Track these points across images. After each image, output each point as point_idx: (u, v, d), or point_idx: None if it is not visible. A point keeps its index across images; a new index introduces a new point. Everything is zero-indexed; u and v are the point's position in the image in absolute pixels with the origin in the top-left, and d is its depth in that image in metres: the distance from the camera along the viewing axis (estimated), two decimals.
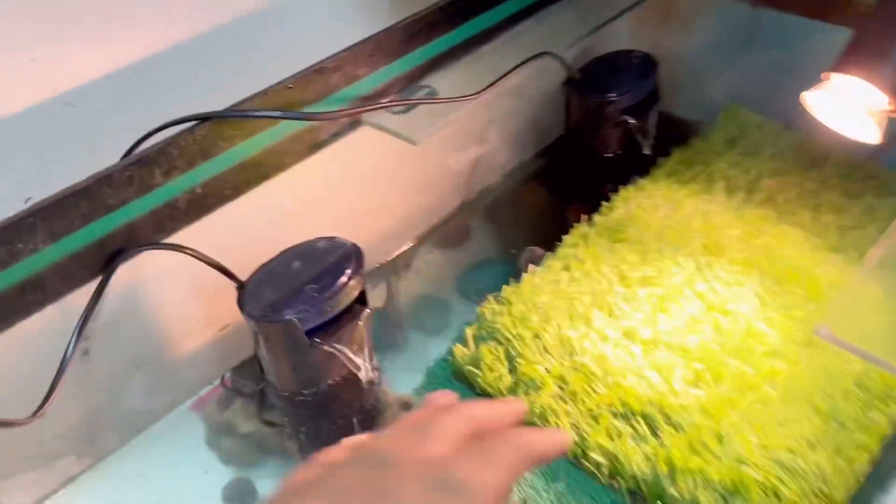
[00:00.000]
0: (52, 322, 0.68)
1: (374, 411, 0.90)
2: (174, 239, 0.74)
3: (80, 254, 0.66)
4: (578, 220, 0.98)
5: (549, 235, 1.02)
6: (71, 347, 0.64)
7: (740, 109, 1.10)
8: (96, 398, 0.76)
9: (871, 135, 0.75)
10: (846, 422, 0.71)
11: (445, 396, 0.50)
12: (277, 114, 0.71)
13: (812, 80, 1.02)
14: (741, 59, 1.10)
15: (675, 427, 0.72)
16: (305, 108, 0.77)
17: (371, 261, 0.98)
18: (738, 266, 0.87)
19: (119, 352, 0.77)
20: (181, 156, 0.70)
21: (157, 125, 0.69)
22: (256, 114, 0.72)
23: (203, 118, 0.70)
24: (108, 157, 0.67)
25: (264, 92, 0.73)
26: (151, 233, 0.72)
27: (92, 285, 0.69)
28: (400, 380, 0.90)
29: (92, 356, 0.73)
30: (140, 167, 0.67)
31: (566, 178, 1.13)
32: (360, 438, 0.50)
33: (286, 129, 0.77)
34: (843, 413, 0.71)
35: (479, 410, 0.45)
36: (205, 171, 0.72)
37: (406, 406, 0.98)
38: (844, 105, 0.73)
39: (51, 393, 0.61)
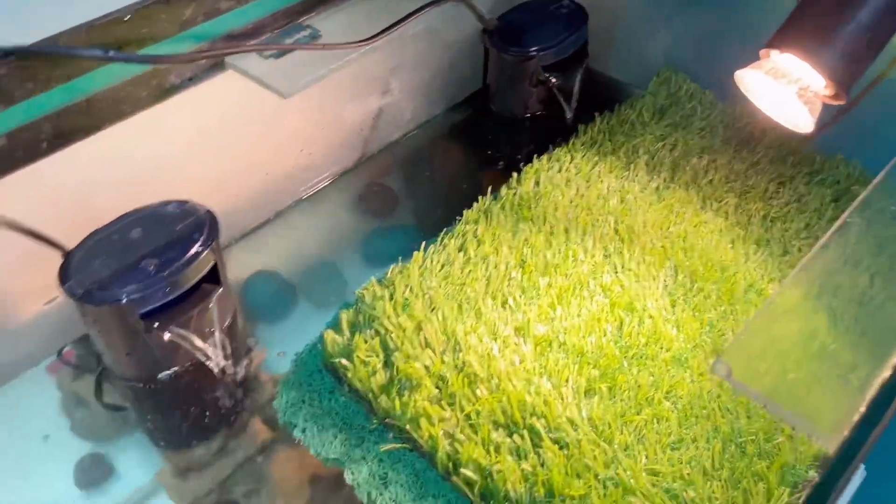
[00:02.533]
0: None
1: (236, 396, 0.80)
2: None
3: None
4: (496, 187, 0.87)
5: (458, 201, 0.91)
6: None
7: (674, 75, 0.99)
8: None
9: (804, 122, 0.66)
10: (747, 446, 0.63)
11: None
12: (100, 53, 0.58)
13: (752, 49, 0.93)
14: (680, 17, 0.99)
15: (560, 444, 0.63)
16: (148, 46, 0.63)
17: (244, 224, 0.86)
18: (651, 257, 0.78)
19: None
20: None
21: None
22: (77, 52, 0.58)
23: (5, 53, 0.56)
24: None
25: (90, 25, 0.59)
26: None
27: None
28: (287, 357, 0.80)
29: None
30: None
31: (479, 139, 1.02)
32: None
33: (123, 71, 0.64)
34: (744, 435, 0.64)
35: None
36: (8, 119, 0.58)
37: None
38: (779, 87, 0.63)
39: None
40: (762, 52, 0.65)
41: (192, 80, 0.69)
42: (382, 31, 0.73)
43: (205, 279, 0.68)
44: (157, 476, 0.81)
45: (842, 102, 0.64)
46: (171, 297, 0.65)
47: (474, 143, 1.02)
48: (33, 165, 0.62)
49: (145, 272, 0.65)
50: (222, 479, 0.81)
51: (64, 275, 0.64)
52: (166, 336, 0.66)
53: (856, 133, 0.84)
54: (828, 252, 0.51)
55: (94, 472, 0.81)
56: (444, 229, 0.83)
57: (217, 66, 0.70)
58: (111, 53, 0.59)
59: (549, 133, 1.00)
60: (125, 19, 0.61)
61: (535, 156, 0.91)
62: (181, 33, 0.65)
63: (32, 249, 0.62)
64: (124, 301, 0.63)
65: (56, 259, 0.65)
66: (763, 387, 0.44)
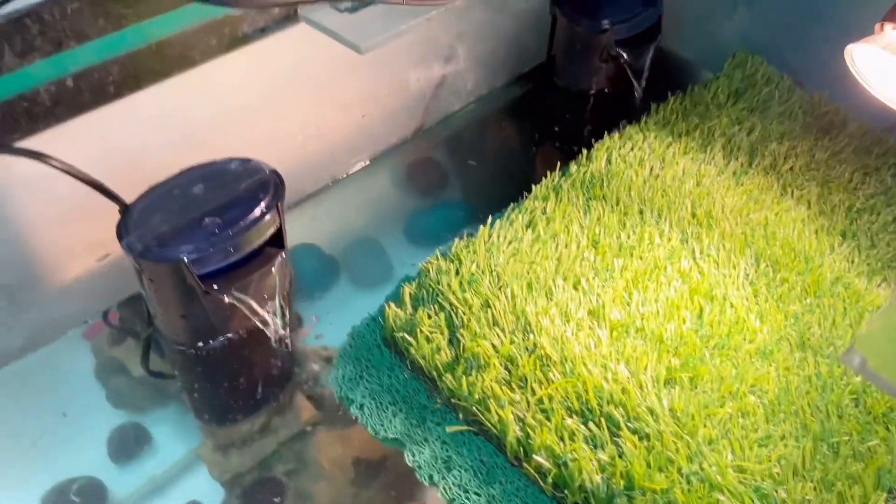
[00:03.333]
0: None
1: (285, 369, 0.77)
2: (35, 143, 0.57)
3: None
4: (553, 166, 0.83)
5: (517, 179, 0.87)
6: None
7: (750, 58, 0.95)
8: None
9: None
10: (840, 447, 0.60)
11: None
12: None
13: (836, 32, 0.88)
14: None
15: (640, 435, 0.59)
16: None
17: (301, 189, 0.83)
18: (730, 243, 0.74)
19: None
20: (44, 33, 0.52)
21: None
22: None
23: None
24: None
25: None
26: (2, 132, 0.55)
27: None
28: (329, 332, 0.76)
29: None
30: None
31: (543, 115, 0.97)
32: None
33: (197, 14, 0.60)
34: (836, 435, 0.60)
35: None
36: (78, 58, 0.55)
37: (328, 361, 0.84)
38: (894, 63, 0.59)
39: None
40: (877, 26, 0.61)
41: (263, 31, 0.65)
42: None
43: (267, 242, 0.65)
44: (196, 451, 0.78)
45: None
46: (233, 260, 0.61)
47: (535, 119, 0.98)
48: (98, 111, 0.58)
49: (207, 231, 0.61)
50: (264, 456, 0.78)
51: (122, 229, 0.60)
52: (226, 299, 0.62)
53: None
54: None
55: (129, 444, 0.78)
56: (511, 205, 0.79)
57: (290, 17, 0.66)
58: None
59: (615, 111, 0.95)
60: None
61: (604, 134, 0.86)
62: None
63: (88, 201, 0.59)
64: (185, 260, 0.59)
65: (113, 213, 0.61)
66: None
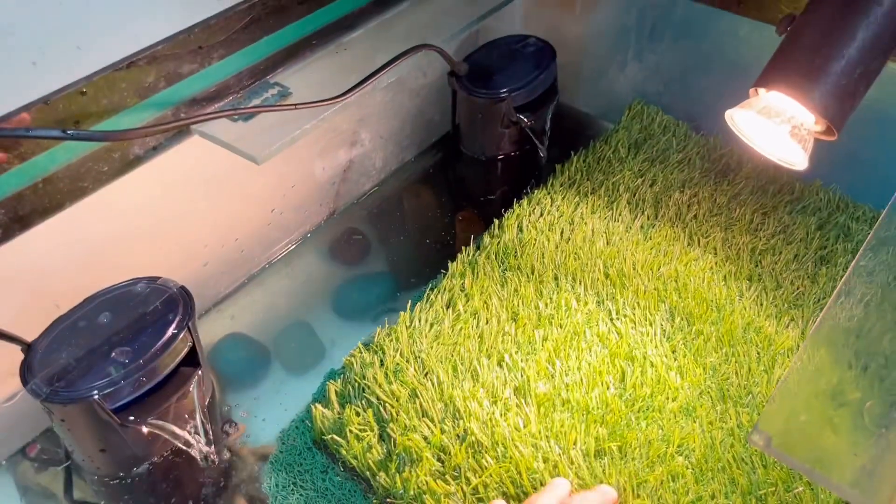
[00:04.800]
0: None
1: (218, 480, 0.75)
2: None
3: None
4: (470, 229, 0.84)
5: (438, 244, 0.88)
6: None
7: (646, 107, 0.98)
8: None
9: (799, 160, 0.65)
10: (767, 499, 0.61)
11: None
12: (58, 133, 0.53)
13: (719, 79, 0.92)
14: (647, 52, 0.98)
15: None
16: (109, 118, 0.58)
17: (216, 293, 0.81)
18: (644, 300, 0.76)
19: None
20: None
21: None
22: (33, 133, 0.53)
23: None
24: None
25: (45, 101, 0.54)
26: None
27: None
28: (262, 427, 0.75)
29: None
30: None
31: (454, 182, 0.99)
32: None
33: (84, 147, 0.59)
34: (763, 486, 0.62)
35: None
36: None
37: (264, 458, 0.82)
38: (772, 126, 0.62)
39: None
40: (751, 90, 0.64)
41: (156, 150, 0.64)
42: (355, 87, 0.69)
43: (182, 362, 0.63)
44: None
45: (834, 139, 0.63)
46: (147, 388, 0.60)
47: (446, 187, 0.99)
48: None
49: (117, 362, 0.59)
50: None
51: (26, 372, 0.58)
52: (144, 429, 0.61)
53: (830, 158, 0.84)
54: (847, 299, 0.50)
55: None
56: (430, 284, 0.80)
57: (183, 131, 0.65)
58: (69, 132, 0.54)
59: (522, 173, 0.98)
60: (82, 91, 0.56)
61: (513, 198, 0.88)
62: (142, 101, 0.60)
63: None
64: (95, 397, 0.57)
65: (16, 354, 0.59)
66: (803, 454, 0.42)
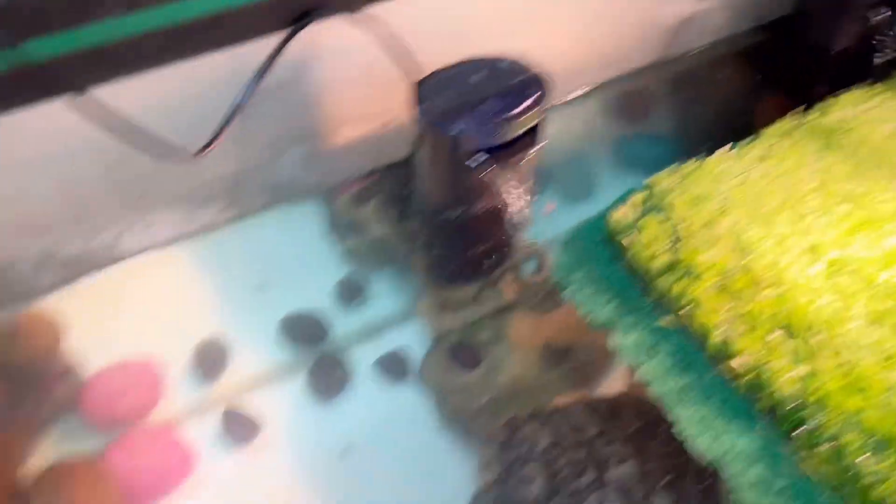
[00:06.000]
0: (223, 67, 0.65)
1: (506, 251, 0.87)
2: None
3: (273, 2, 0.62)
4: (778, 115, 0.86)
5: (737, 125, 0.91)
6: (246, 95, 0.62)
7: None
8: (251, 157, 0.76)
9: None
10: None
11: None
12: None
13: None
14: None
15: (840, 361, 0.64)
16: None
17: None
18: None
19: (278, 120, 0.75)
20: None
21: None
22: None
23: None
24: None
25: None
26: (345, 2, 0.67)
27: (272, 40, 0.65)
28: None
29: (252, 117, 0.71)
30: None
31: (780, 66, 0.99)
32: None
33: None
34: None
35: None
36: None
37: (534, 256, 0.93)
38: None
39: (218, 134, 0.60)
40: None
41: None
42: None
43: (527, 132, 0.74)
44: (419, 303, 0.91)
45: None
46: (502, 141, 0.71)
47: (771, 69, 1.00)
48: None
49: (483, 114, 0.71)
50: (470, 322, 0.89)
51: (416, 100, 0.71)
52: (487, 175, 0.73)
53: None
54: None
55: (354, 292, 0.91)
56: (743, 140, 0.84)
57: None
58: None
59: (854, 73, 0.96)
60: None
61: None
62: None
63: (368, 74, 0.70)
64: (464, 135, 0.69)
65: (396, 87, 0.72)
66: None
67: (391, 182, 0.89)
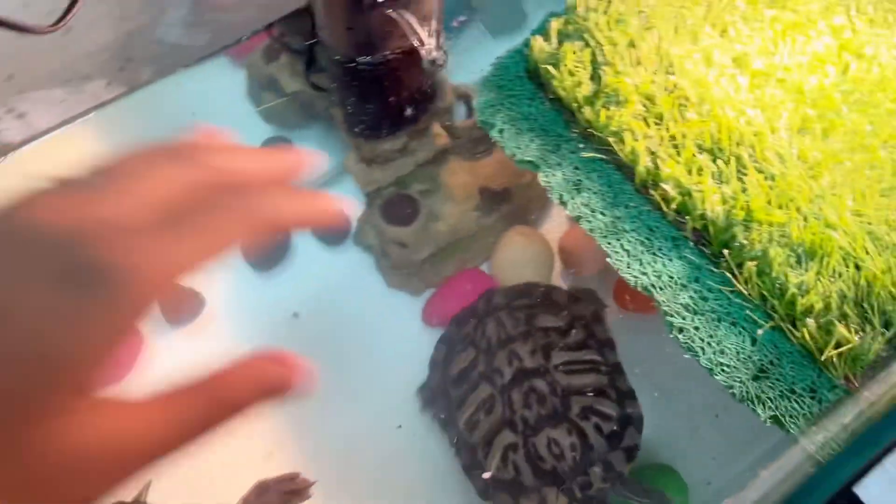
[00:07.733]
0: None
1: (430, 96, 0.83)
2: None
3: None
4: None
5: None
6: None
7: None
8: (129, 22, 0.68)
9: None
10: None
11: (215, 135, 0.31)
12: None
13: None
14: None
15: (765, 175, 0.63)
16: None
17: None
18: (890, 2, 0.72)
19: None
20: None
21: None
22: None
23: None
24: None
25: None
26: None
27: None
28: (458, 73, 0.81)
29: None
30: None
31: None
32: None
33: None
34: None
35: (236, 162, 0.29)
36: None
37: (463, 98, 0.90)
38: None
39: (73, 4, 0.53)
40: None
41: None
42: None
43: None
44: (345, 160, 0.87)
45: None
46: None
47: None
48: None
49: None
50: (402, 175, 0.86)
51: None
52: (390, 13, 0.67)
53: None
54: None
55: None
56: None
57: None
58: None
59: None
60: None
61: None
62: None
63: None
64: None
65: None
66: None
67: (294, 34, 0.82)
